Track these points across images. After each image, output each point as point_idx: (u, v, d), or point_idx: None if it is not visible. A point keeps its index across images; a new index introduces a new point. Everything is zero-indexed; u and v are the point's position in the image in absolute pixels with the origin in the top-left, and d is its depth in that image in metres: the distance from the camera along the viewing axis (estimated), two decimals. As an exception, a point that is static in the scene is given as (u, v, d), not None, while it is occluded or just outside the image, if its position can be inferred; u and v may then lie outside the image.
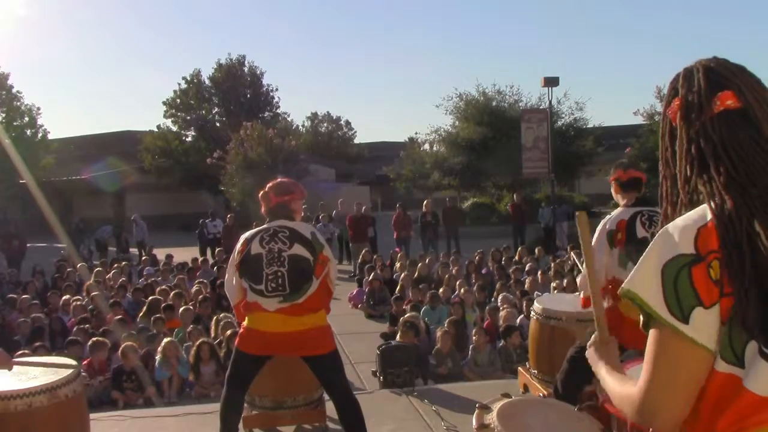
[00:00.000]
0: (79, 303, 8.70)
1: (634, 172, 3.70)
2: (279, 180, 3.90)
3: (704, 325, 1.12)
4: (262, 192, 3.78)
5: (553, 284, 9.01)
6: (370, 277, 10.17)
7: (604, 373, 1.45)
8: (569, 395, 3.54)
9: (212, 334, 7.19)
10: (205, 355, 6.22)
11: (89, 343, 6.38)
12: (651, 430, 1.26)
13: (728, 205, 1.15)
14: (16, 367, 3.26)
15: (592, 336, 1.63)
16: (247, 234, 3.70)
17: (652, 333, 1.19)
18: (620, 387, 1.33)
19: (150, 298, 8.59)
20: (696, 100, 1.25)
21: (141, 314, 8.16)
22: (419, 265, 10.92)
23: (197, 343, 6.35)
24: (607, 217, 3.67)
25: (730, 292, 1.10)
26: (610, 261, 3.52)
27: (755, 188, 1.15)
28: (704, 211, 1.18)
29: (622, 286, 1.21)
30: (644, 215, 3.55)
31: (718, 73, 1.26)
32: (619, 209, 3.66)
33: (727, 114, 1.22)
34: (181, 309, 7.80)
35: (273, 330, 3.49)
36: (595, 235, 3.64)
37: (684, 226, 1.18)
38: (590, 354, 1.57)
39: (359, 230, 14.47)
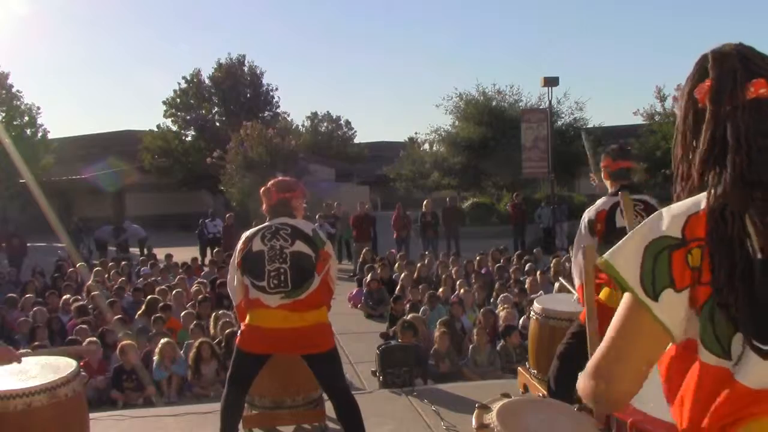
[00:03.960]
0: (79, 303, 8.70)
1: (622, 163, 3.71)
2: (281, 178, 3.92)
3: (672, 307, 1.14)
4: (263, 188, 3.80)
5: (555, 284, 8.99)
6: (368, 278, 10.18)
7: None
8: (562, 392, 3.56)
9: (211, 332, 7.19)
10: (206, 355, 6.22)
11: (84, 343, 6.39)
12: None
13: (729, 197, 1.15)
14: (15, 367, 3.26)
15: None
16: (249, 232, 3.72)
17: (624, 300, 1.21)
18: (581, 375, 1.34)
19: (148, 297, 8.59)
20: (730, 83, 1.22)
21: (139, 313, 8.16)
22: (418, 265, 10.93)
23: (197, 343, 6.35)
24: (590, 207, 3.73)
25: (708, 282, 1.12)
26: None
27: (761, 187, 1.15)
28: (699, 199, 1.19)
29: (602, 256, 1.23)
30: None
31: (752, 60, 1.23)
32: (602, 199, 3.70)
33: (758, 103, 1.20)
34: (183, 313, 7.78)
35: (274, 326, 3.50)
36: (579, 227, 3.71)
37: (676, 212, 1.19)
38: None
39: (362, 230, 14.47)
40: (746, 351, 1.09)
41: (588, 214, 3.66)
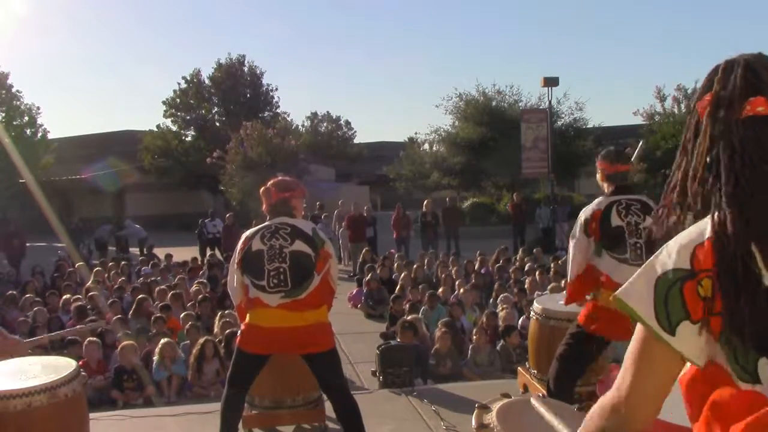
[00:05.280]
0: (79, 303, 8.69)
1: (621, 167, 3.76)
2: (281, 177, 3.93)
3: (690, 338, 1.13)
4: (263, 188, 3.81)
5: (552, 285, 9.00)
6: (368, 278, 10.19)
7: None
8: (562, 393, 3.58)
9: (214, 331, 7.20)
10: (209, 353, 6.22)
11: (84, 343, 6.39)
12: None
13: (729, 219, 1.12)
14: (15, 367, 3.26)
15: None
16: (249, 232, 3.74)
17: (638, 334, 1.20)
18: (591, 411, 1.33)
19: (138, 296, 8.60)
20: (727, 99, 1.19)
21: (131, 313, 8.18)
22: (415, 265, 10.93)
23: (201, 341, 6.35)
24: (586, 207, 3.77)
25: (719, 312, 1.10)
26: (586, 249, 3.60)
27: (758, 205, 1.11)
28: (704, 227, 1.17)
29: (615, 293, 1.22)
30: (621, 203, 3.64)
31: (758, 75, 1.19)
32: (598, 199, 3.75)
33: (755, 120, 1.16)
34: (182, 315, 7.77)
35: (274, 325, 3.51)
36: (575, 226, 3.74)
37: (683, 243, 1.17)
38: None
39: (358, 230, 14.50)
40: None
41: (584, 213, 3.70)
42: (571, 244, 3.74)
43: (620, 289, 1.22)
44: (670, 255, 1.17)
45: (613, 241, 3.55)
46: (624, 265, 3.51)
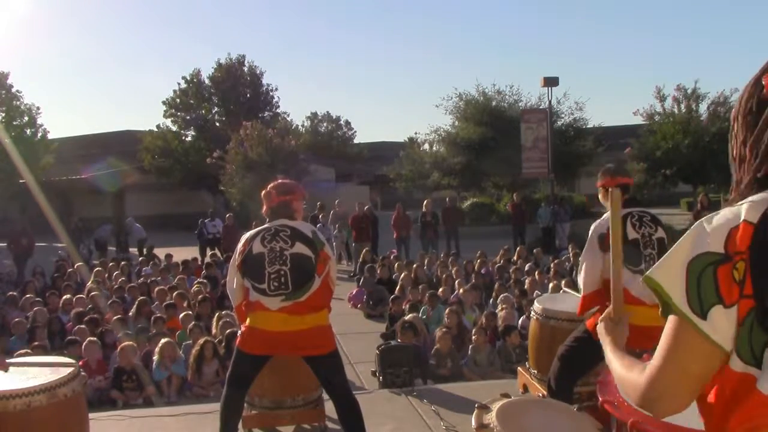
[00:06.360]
0: (78, 310, 8.68)
1: (621, 179, 3.73)
2: (281, 180, 3.93)
3: (721, 324, 1.11)
4: (264, 191, 3.81)
5: (551, 284, 9.00)
6: (367, 277, 10.19)
7: (609, 352, 1.50)
8: (563, 393, 3.57)
9: (213, 331, 7.20)
10: (208, 354, 6.22)
11: (84, 343, 6.39)
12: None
13: None
14: (15, 367, 3.26)
15: (606, 311, 1.69)
16: (249, 234, 3.72)
17: (669, 322, 1.18)
18: (626, 372, 1.34)
19: (139, 299, 8.60)
20: None
21: (131, 314, 8.17)
22: (414, 265, 10.93)
23: (201, 342, 6.35)
24: (598, 220, 3.68)
25: (751, 294, 1.09)
26: (602, 264, 3.56)
27: None
28: (738, 211, 1.15)
29: (647, 273, 1.20)
30: (634, 216, 3.61)
31: None
32: (609, 213, 3.67)
33: None
34: (182, 315, 7.78)
35: (275, 329, 3.50)
36: (588, 240, 3.66)
37: (717, 225, 1.15)
38: (600, 329, 1.63)
39: (361, 230, 14.49)
40: None
41: (598, 228, 3.61)
42: (584, 259, 3.68)
43: (652, 268, 1.20)
44: (704, 236, 1.15)
45: (630, 253, 3.50)
46: (639, 276, 3.49)
